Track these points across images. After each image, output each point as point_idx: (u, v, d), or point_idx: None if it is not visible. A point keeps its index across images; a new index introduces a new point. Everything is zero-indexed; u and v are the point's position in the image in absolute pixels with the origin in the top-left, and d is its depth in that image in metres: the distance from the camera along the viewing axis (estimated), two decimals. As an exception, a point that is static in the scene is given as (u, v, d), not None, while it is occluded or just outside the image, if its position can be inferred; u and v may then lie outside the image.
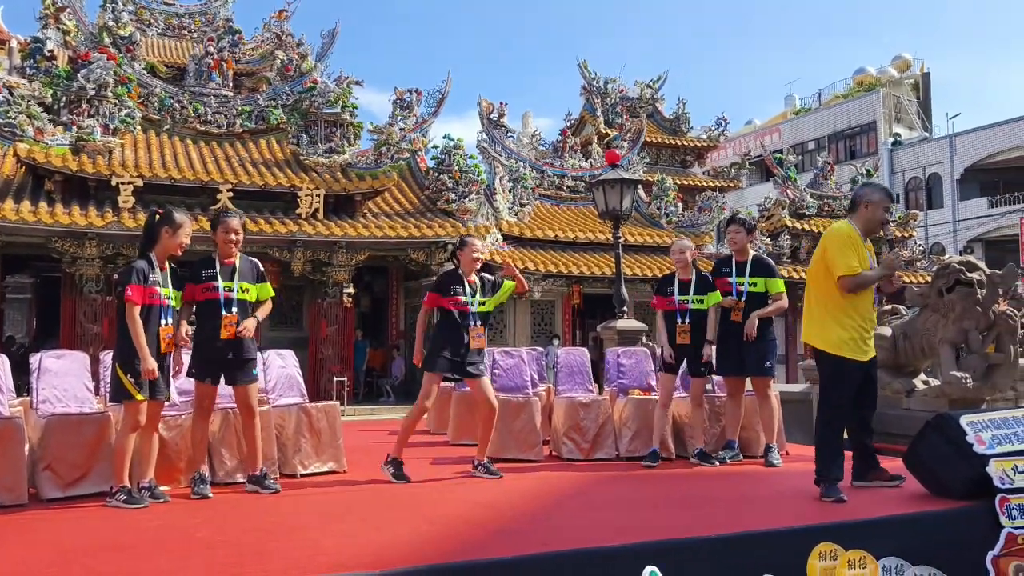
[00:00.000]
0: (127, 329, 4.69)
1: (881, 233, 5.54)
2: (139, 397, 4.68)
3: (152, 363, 4.66)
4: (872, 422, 5.15)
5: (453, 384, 8.52)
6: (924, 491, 4.67)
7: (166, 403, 5.00)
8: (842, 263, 4.84)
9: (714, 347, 6.38)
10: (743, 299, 6.32)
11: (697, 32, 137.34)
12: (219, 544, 3.72)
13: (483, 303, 5.85)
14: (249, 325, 5.08)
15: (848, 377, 4.89)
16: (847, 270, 4.82)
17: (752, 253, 6.53)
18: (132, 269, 4.78)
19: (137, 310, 4.69)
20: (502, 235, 19.92)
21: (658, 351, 6.61)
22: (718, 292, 6.44)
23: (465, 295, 5.77)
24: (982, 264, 8.58)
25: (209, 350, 5.00)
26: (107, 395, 5.64)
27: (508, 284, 6.00)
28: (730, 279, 6.41)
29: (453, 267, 6.00)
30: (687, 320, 6.34)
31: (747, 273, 6.38)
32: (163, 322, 4.82)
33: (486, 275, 6.04)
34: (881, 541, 3.68)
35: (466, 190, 19.07)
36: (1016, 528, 3.85)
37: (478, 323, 5.76)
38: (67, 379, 5.42)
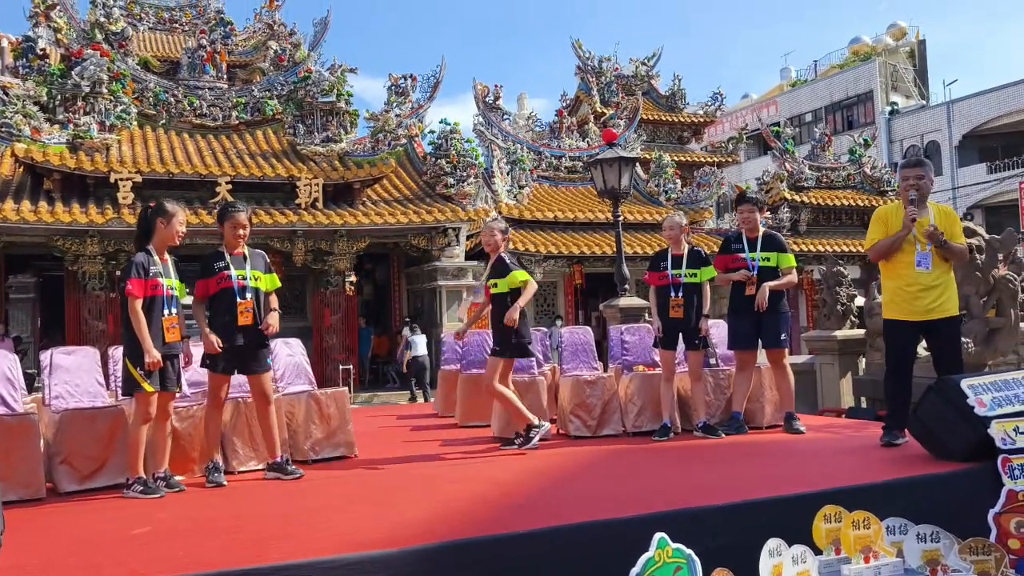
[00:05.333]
0: (132, 323, 4.76)
1: (913, 196, 5.69)
2: (149, 388, 4.75)
3: (155, 355, 4.71)
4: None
5: (459, 367, 8.60)
6: (927, 454, 4.73)
7: (177, 394, 5.07)
8: (867, 240, 5.51)
9: (709, 320, 6.49)
10: (755, 273, 6.40)
11: (690, 7, 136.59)
12: (236, 530, 3.79)
13: (495, 284, 5.92)
14: (273, 321, 5.17)
15: (893, 334, 5.40)
16: (867, 244, 5.49)
17: (763, 229, 6.61)
18: (132, 264, 4.85)
19: (139, 303, 4.75)
20: (502, 218, 19.95)
21: (654, 328, 6.64)
22: (712, 267, 6.53)
23: (488, 278, 5.98)
24: (981, 229, 8.62)
25: (226, 340, 5.04)
26: (118, 389, 5.73)
27: (517, 274, 6.08)
28: (742, 254, 6.48)
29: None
30: (680, 294, 6.39)
31: (759, 248, 6.45)
32: (166, 312, 4.87)
33: (505, 256, 6.13)
34: (885, 504, 3.74)
35: (464, 174, 19.07)
36: (1019, 487, 3.91)
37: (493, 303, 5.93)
38: (78, 375, 5.49)
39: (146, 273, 4.82)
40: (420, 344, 17.68)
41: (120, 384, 5.04)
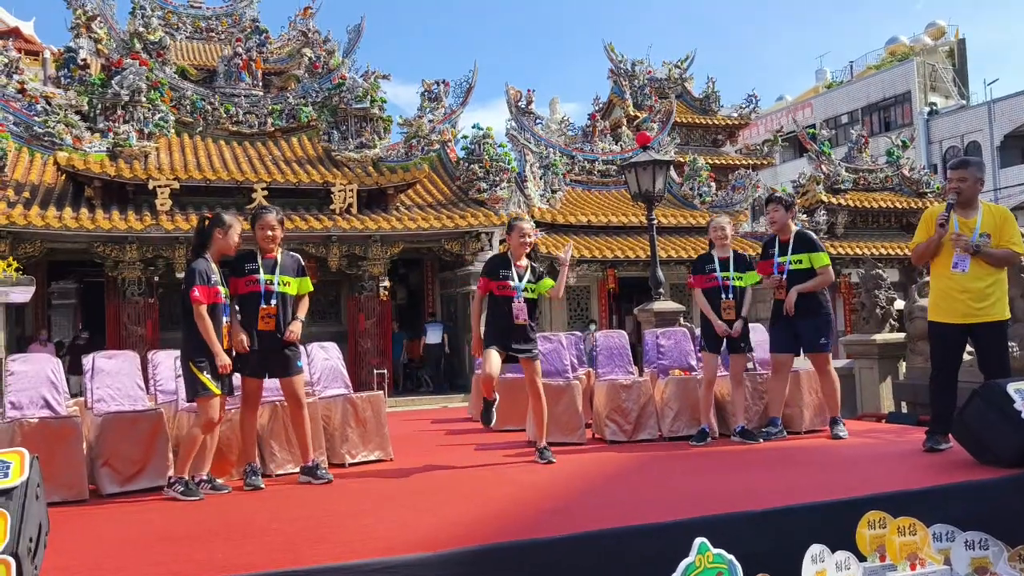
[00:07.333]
0: (197, 328, 4.83)
1: (952, 200, 5.60)
2: (216, 391, 4.86)
3: (226, 358, 4.86)
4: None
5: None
6: (972, 460, 4.63)
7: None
8: (912, 242, 5.48)
9: (749, 325, 6.41)
10: (784, 277, 6.30)
11: (724, 9, 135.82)
12: (273, 532, 3.81)
13: (530, 289, 5.79)
14: (295, 328, 5.18)
15: (937, 337, 5.33)
16: (911, 245, 5.46)
17: (795, 229, 6.50)
18: (195, 271, 4.92)
19: (204, 308, 4.84)
20: (535, 222, 19.90)
21: (717, 326, 6.36)
22: (756, 272, 6.47)
23: (512, 279, 5.75)
24: (1025, 231, 8.41)
25: (251, 343, 5.09)
26: (158, 393, 5.81)
27: (547, 281, 5.94)
28: (776, 259, 6.41)
29: (504, 251, 6.00)
30: (731, 296, 6.34)
31: (790, 251, 6.36)
32: (225, 319, 4.99)
33: (534, 263, 6.01)
34: (930, 510, 3.67)
35: (497, 179, 19.09)
36: (1069, 493, 3.82)
37: (522, 305, 5.71)
38: (119, 378, 5.56)
39: (208, 280, 4.91)
40: (433, 333, 18.51)
41: (185, 390, 5.08)
